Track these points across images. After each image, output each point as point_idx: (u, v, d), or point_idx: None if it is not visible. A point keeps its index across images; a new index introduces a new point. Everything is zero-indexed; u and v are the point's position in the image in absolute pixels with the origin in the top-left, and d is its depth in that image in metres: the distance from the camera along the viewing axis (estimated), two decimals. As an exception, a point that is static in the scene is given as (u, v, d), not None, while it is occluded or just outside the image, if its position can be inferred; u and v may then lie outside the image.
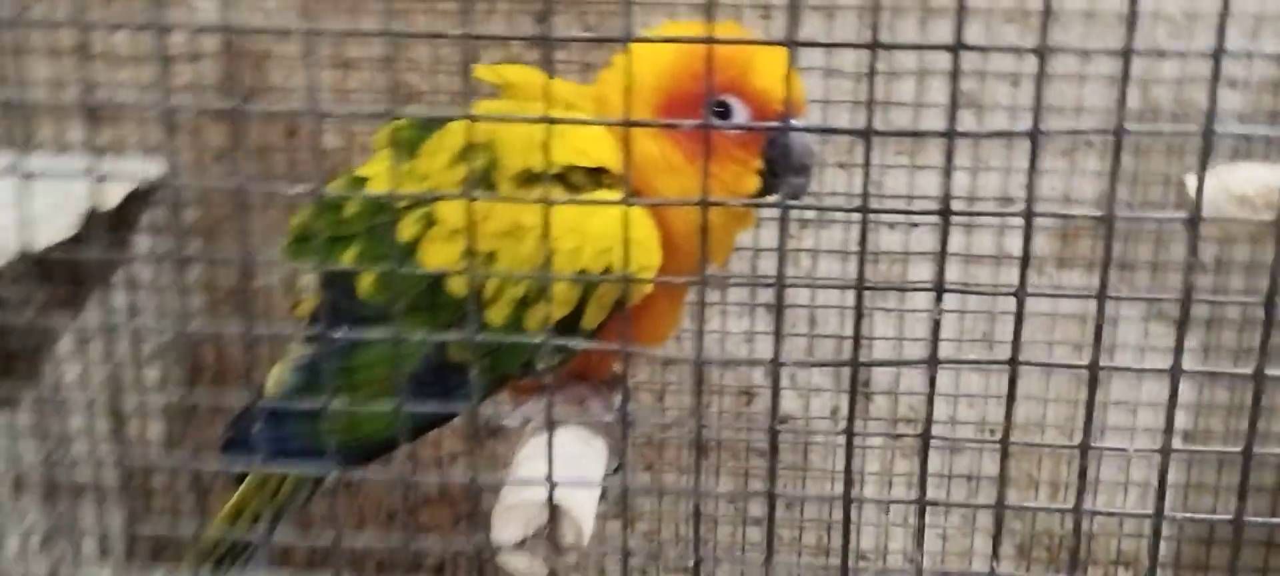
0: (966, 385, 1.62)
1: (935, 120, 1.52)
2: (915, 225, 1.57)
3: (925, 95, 1.52)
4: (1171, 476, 0.58)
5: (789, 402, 1.65)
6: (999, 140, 1.51)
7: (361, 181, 0.89)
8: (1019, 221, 0.54)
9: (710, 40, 0.54)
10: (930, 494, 0.61)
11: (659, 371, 1.64)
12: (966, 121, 1.54)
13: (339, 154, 1.59)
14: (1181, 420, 1.65)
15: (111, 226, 1.65)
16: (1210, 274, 1.50)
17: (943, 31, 1.51)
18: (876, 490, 1.72)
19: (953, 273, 1.54)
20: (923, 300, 1.60)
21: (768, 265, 1.59)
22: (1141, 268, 1.54)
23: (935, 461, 1.63)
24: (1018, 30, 1.50)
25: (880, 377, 1.62)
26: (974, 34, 1.48)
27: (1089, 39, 1.48)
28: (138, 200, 1.49)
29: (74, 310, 1.71)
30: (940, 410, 1.66)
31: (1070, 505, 0.57)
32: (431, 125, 0.86)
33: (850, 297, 1.61)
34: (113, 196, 1.43)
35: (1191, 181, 1.28)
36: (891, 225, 1.56)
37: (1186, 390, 1.63)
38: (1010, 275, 1.56)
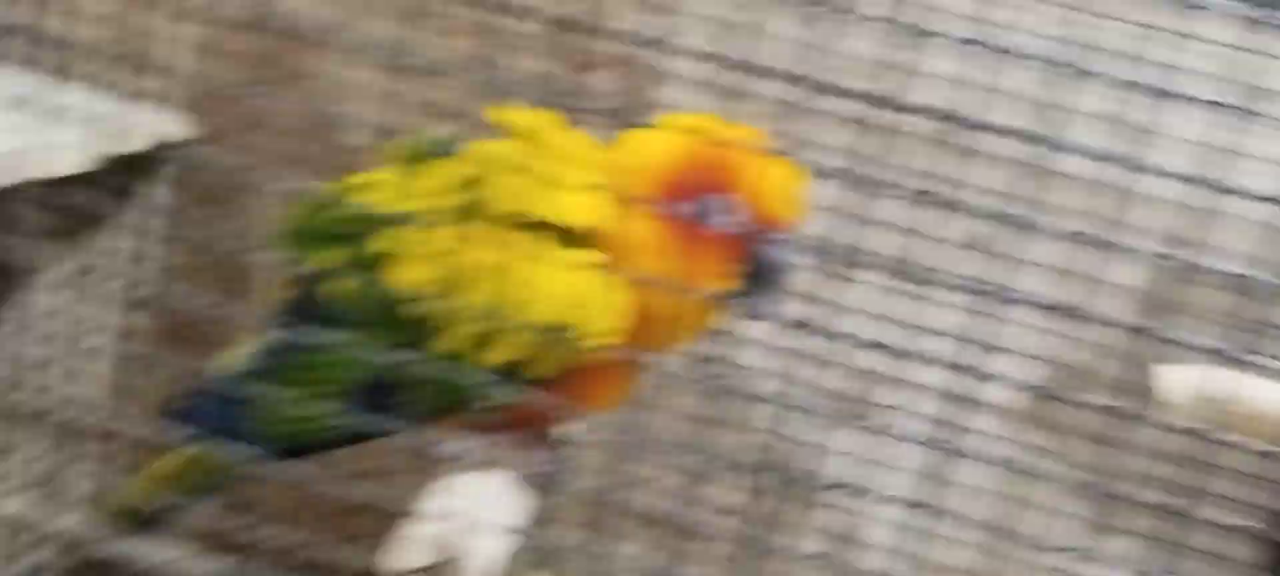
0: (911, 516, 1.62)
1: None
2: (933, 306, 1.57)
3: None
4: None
5: (733, 493, 1.65)
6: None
7: (365, 188, 0.89)
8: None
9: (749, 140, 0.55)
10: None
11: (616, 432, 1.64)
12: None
13: (358, 154, 1.60)
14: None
15: (129, 172, 1.68)
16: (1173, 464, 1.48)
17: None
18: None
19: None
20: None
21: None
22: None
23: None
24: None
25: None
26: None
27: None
28: (162, 151, 1.51)
29: (70, 245, 1.73)
30: (881, 534, 1.65)
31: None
32: (449, 147, 0.87)
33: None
34: (134, 143, 1.46)
35: (1162, 375, 1.25)
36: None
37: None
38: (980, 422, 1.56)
